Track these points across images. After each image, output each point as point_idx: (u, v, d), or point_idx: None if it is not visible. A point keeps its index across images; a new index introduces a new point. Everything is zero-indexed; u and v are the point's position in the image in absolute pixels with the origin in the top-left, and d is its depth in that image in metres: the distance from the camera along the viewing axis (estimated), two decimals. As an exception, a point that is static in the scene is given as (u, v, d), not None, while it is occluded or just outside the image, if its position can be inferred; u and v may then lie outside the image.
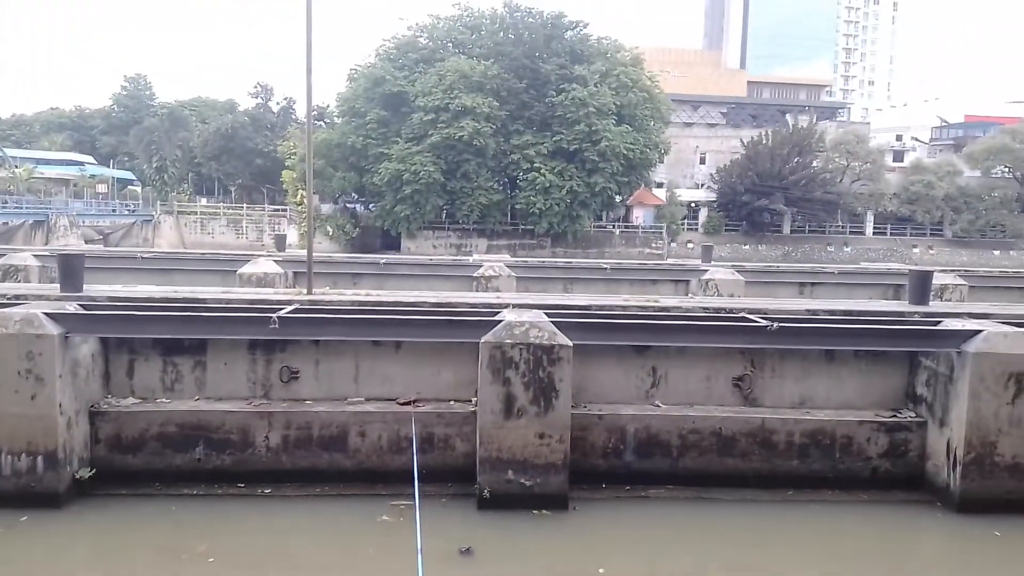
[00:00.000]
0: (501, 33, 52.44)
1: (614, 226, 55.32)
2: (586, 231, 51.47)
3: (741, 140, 60.18)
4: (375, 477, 8.02)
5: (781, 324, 8.33)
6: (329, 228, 50.65)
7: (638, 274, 19.07)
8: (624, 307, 9.71)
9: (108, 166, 70.97)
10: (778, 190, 54.48)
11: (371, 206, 53.37)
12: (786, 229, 58.44)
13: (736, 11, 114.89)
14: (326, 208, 52.92)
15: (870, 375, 8.97)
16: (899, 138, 78.29)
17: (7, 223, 44.39)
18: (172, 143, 64.13)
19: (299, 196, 50.20)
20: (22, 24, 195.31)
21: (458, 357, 8.58)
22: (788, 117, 71.52)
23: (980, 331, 8.18)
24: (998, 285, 18.88)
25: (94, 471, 7.74)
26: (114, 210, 57.83)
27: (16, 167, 58.43)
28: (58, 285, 9.94)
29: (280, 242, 23.12)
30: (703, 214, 59.72)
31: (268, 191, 61.44)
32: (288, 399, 8.43)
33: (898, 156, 70.71)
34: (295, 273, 16.52)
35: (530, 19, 51.89)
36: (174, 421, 7.97)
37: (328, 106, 60.82)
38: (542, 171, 47.39)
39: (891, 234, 59.64)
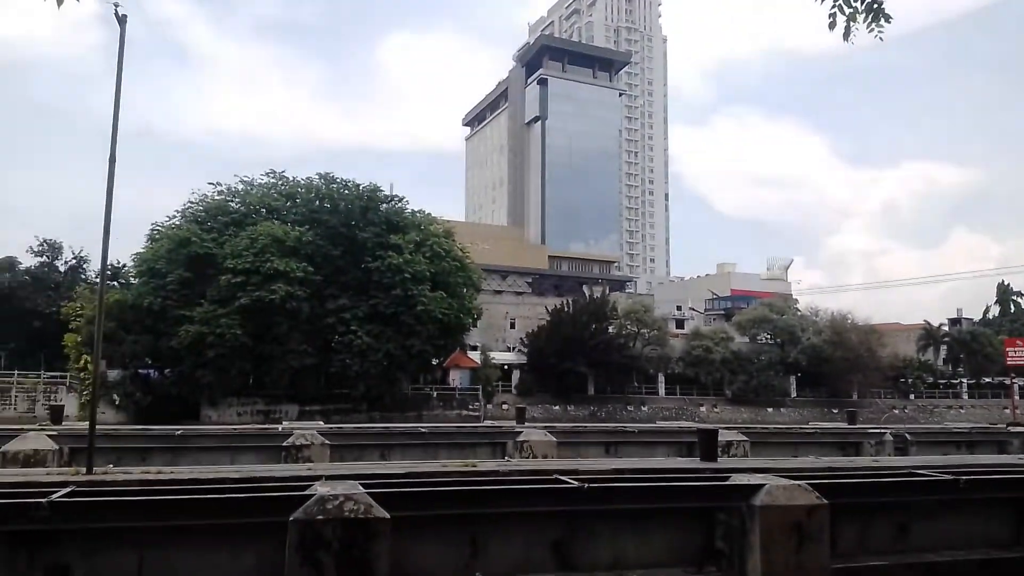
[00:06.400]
0: (317, 202, 53.40)
1: (431, 388, 55.38)
2: (404, 393, 50.97)
3: (546, 307, 64.52)
4: None
5: (592, 485, 8.65)
6: (116, 396, 45.69)
7: (456, 438, 19.00)
8: (443, 474, 9.62)
9: None
10: (580, 354, 58.12)
11: (167, 372, 49.21)
12: (591, 390, 61.81)
13: (535, 195, 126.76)
14: (115, 374, 47.98)
15: (674, 531, 9.41)
16: (679, 308, 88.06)
17: None
18: (-69, 303, 56.03)
19: (83, 361, 45.20)
20: None
21: (264, 539, 7.85)
22: (585, 288, 78.31)
23: (763, 485, 8.98)
24: (774, 440, 21.02)
25: None
26: None
27: None
28: None
29: (56, 413, 20.38)
30: (516, 376, 61.76)
31: (45, 356, 54.71)
32: (52, 603, 7.15)
33: (679, 324, 79.18)
34: (72, 449, 14.56)
35: (346, 191, 53.57)
36: None
37: (124, 266, 57.01)
38: (359, 334, 47.03)
39: (680, 394, 65.16)
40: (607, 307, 62.66)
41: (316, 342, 49.24)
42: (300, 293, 45.87)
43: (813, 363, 66.90)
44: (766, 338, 70.71)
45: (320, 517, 7.30)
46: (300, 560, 7.16)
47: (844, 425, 26.12)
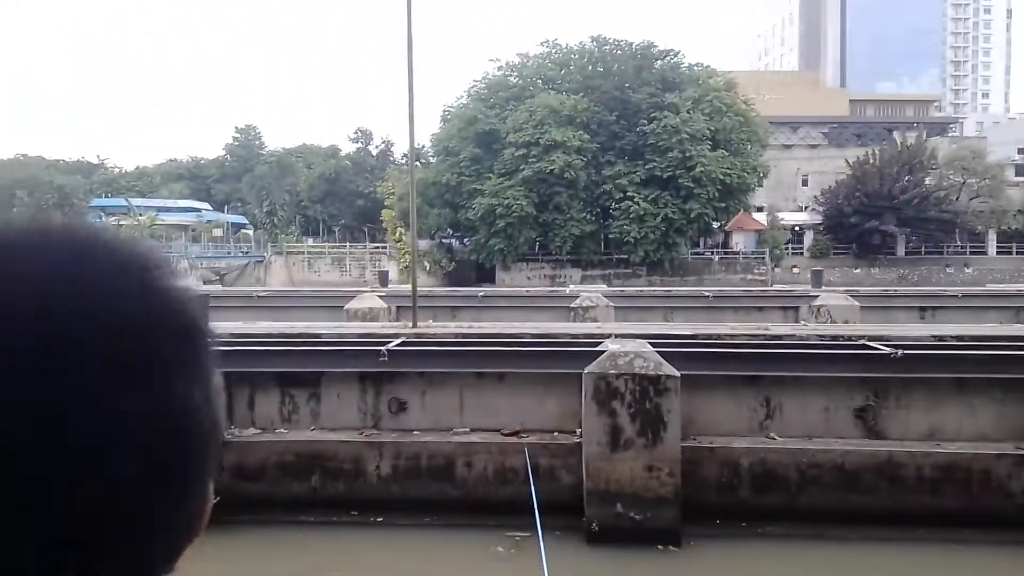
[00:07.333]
0: (590, 67, 52.80)
1: (712, 252, 54.02)
2: (683, 258, 50.53)
3: (846, 160, 57.73)
4: (482, 508, 8.03)
5: (906, 352, 7.84)
6: (426, 263, 51.99)
7: (742, 301, 18.53)
8: (732, 336, 9.43)
9: (223, 212, 75.78)
10: (889, 211, 51.72)
11: (465, 240, 54.51)
12: (900, 251, 55.25)
13: (833, 30, 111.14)
14: (423, 244, 54.39)
15: (1007, 405, 8.27)
16: (1021, 151, 72.91)
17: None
18: (281, 188, 68.06)
19: (398, 234, 51.89)
20: (142, 85, 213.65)
21: (561, 388, 8.53)
22: (895, 135, 68.11)
23: None
24: None
25: (218, 498, 8.07)
26: (229, 252, 61.50)
27: (140, 215, 63.36)
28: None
29: (383, 278, 23.97)
30: (808, 237, 57.40)
31: (369, 230, 63.91)
32: (397, 429, 8.62)
33: (1021, 171, 65.78)
34: (398, 307, 17.02)
35: (618, 51, 52.01)
36: (292, 451, 8.30)
37: (423, 147, 62.91)
38: (635, 200, 47.06)
39: (1017, 253, 55.30)
40: (924, 155, 54.25)
41: (594, 209, 50.37)
42: (577, 162, 46.79)
43: None
44: None
45: (612, 371, 7.67)
46: (596, 408, 7.66)
47: None
